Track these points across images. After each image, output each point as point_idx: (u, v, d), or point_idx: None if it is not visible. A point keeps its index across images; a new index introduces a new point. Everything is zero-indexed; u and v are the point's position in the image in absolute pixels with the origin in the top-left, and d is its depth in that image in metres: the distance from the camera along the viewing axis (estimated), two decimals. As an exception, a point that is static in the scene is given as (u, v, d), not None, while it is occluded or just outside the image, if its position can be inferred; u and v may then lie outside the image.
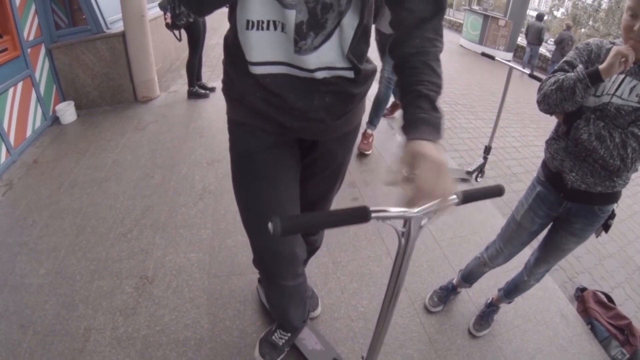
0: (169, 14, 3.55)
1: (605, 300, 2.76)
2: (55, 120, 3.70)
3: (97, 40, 3.79)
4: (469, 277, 2.06)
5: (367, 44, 1.01)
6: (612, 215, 1.52)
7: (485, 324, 2.00)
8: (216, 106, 4.20)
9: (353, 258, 2.23)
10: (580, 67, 1.33)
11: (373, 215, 0.70)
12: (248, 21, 0.89)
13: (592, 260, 3.70)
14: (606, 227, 1.53)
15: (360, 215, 0.69)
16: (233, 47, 0.97)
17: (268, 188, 1.12)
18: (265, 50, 0.92)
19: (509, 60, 10.97)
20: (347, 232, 2.39)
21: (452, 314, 2.06)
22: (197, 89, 4.31)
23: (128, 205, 2.50)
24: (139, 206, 2.50)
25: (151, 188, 2.69)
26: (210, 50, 6.39)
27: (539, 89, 1.44)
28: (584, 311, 2.64)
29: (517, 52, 12.36)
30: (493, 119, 4.18)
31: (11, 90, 3.08)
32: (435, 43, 0.91)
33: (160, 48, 4.91)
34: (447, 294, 2.11)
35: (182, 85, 4.62)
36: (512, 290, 1.97)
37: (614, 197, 1.47)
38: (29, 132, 3.31)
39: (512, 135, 5.76)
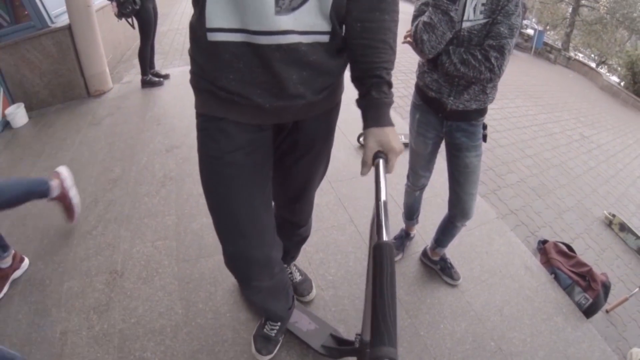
0: (114, 3, 3.43)
1: (566, 249, 2.92)
2: (6, 125, 3.56)
3: (42, 36, 3.63)
4: (410, 211, 2.20)
5: (344, 7, 0.98)
6: (485, 127, 1.71)
7: (396, 250, 2.16)
8: (171, 93, 4.13)
9: (317, 228, 2.25)
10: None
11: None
12: None
13: (552, 214, 3.88)
14: (484, 137, 1.72)
15: (391, 252, 0.74)
16: (200, 26, 0.91)
17: (242, 193, 1.08)
18: (231, 14, 0.87)
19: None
20: (318, 206, 2.38)
21: (419, 275, 2.15)
22: (150, 78, 4.21)
23: (90, 202, 2.46)
24: (102, 201, 2.47)
25: (112, 182, 2.65)
26: (163, 36, 6.21)
27: (415, 40, 1.51)
28: (547, 262, 2.79)
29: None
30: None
31: (-46, 97, 2.94)
32: (394, 16, 0.98)
33: (110, 38, 4.75)
34: (401, 241, 2.26)
35: (135, 75, 4.51)
36: (441, 237, 2.07)
37: (484, 111, 1.66)
38: (-22, 140, 3.18)
39: (470, 99, 5.90)
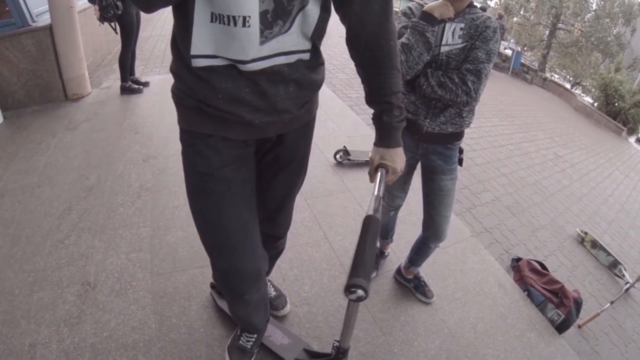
0: (97, 6, 3.40)
1: (538, 267, 3.00)
2: (-21, 123, 3.45)
3: (22, 35, 3.54)
4: (385, 231, 2.23)
5: (326, 31, 1.04)
6: (461, 151, 1.77)
7: (429, 292, 2.15)
8: (150, 101, 4.08)
9: (292, 245, 2.25)
10: (412, 19, 1.52)
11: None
12: (212, 14, 0.86)
13: (525, 232, 3.96)
14: (460, 161, 1.77)
15: (377, 224, 0.97)
16: (185, 51, 0.93)
17: (233, 209, 1.12)
18: (216, 42, 0.89)
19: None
20: (298, 222, 2.45)
21: (393, 293, 2.17)
22: (130, 84, 4.16)
23: (63, 209, 2.41)
24: (76, 210, 2.41)
25: (87, 190, 2.60)
26: (144, 42, 6.13)
27: None
28: (520, 279, 2.86)
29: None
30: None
31: None
32: (396, 42, 1.04)
33: (91, 41, 4.68)
34: (376, 260, 2.28)
35: (115, 80, 4.44)
36: (415, 257, 2.09)
37: (461, 135, 1.71)
38: (-51, 139, 3.08)
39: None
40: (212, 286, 1.87)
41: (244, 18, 0.84)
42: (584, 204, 5.43)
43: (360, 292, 0.82)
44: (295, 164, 1.29)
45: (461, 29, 1.50)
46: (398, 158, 1.14)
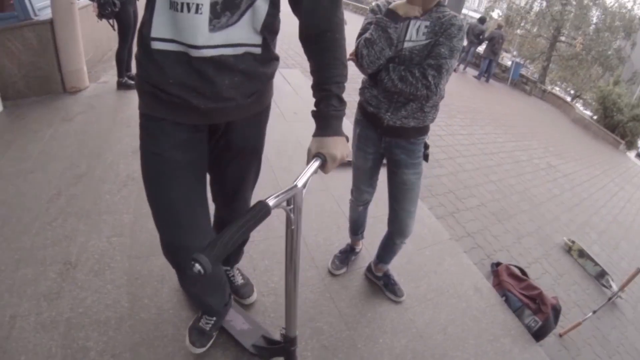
0: (95, 3, 3.52)
1: (518, 272, 2.97)
2: (-21, 112, 3.57)
3: (24, 28, 3.65)
4: (355, 226, 2.25)
5: (276, 27, 1.15)
6: (427, 146, 1.79)
7: (399, 290, 2.17)
8: (144, 97, 4.19)
9: (266, 237, 2.34)
10: (377, 16, 1.55)
11: (272, 205, 0.89)
12: (171, 2, 0.97)
13: (510, 238, 3.96)
14: (425, 157, 1.79)
15: (263, 211, 0.87)
16: (147, 33, 1.03)
17: (180, 187, 1.19)
18: (171, 27, 1.00)
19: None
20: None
21: (362, 289, 2.20)
22: (126, 80, 4.27)
23: (53, 194, 2.52)
24: (65, 195, 2.53)
25: (77, 177, 2.72)
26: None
27: (356, 55, 1.61)
28: (499, 284, 2.83)
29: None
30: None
31: None
32: (342, 36, 1.15)
33: (92, 37, 4.80)
34: (346, 255, 2.30)
35: (112, 76, 4.56)
36: (382, 253, 2.12)
37: (424, 130, 1.73)
38: (-51, 124, 3.19)
39: (438, 124, 6.05)
40: None
41: (197, 5, 0.96)
42: (574, 213, 5.42)
43: (198, 267, 0.78)
44: (247, 153, 1.38)
45: (426, 26, 1.53)
46: (338, 146, 1.14)
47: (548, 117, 11.00)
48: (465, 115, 7.19)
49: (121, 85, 4.28)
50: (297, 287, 1.24)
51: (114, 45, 4.16)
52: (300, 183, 1.00)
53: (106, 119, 3.61)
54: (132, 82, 4.32)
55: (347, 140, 1.21)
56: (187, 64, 1.03)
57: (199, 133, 1.20)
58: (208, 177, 1.41)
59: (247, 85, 1.14)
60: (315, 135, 1.17)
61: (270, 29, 1.11)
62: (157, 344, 1.69)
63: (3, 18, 3.66)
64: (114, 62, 4.34)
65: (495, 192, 4.85)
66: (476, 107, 8.20)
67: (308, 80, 4.34)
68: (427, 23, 1.53)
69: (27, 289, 1.87)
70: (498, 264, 3.17)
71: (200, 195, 1.28)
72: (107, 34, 4.99)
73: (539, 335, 2.40)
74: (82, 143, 3.16)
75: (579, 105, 14.56)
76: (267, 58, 1.16)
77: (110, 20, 3.79)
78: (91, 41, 4.80)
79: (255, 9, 1.03)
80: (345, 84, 1.20)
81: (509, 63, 13.06)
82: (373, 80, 1.66)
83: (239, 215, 1.55)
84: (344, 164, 1.30)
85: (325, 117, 1.16)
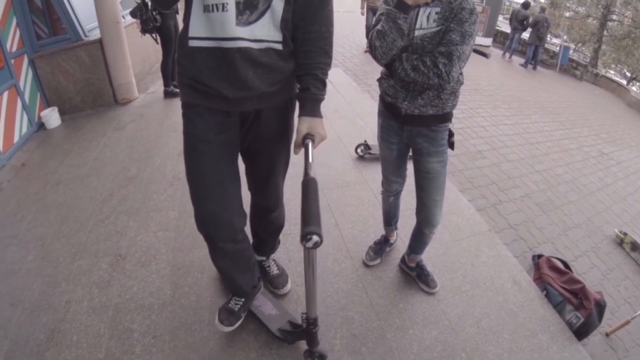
0: (138, 20, 3.79)
1: (560, 265, 2.74)
2: (41, 126, 3.96)
3: (76, 48, 4.03)
4: (388, 217, 2.24)
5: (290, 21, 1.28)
6: (451, 134, 1.75)
7: (432, 282, 2.13)
8: (189, 104, 4.44)
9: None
10: (387, 7, 1.53)
11: (313, 174, 1.16)
12: (204, 6, 1.17)
13: (556, 231, 3.75)
14: (451, 144, 1.77)
15: (315, 183, 1.13)
16: (185, 36, 1.24)
17: (212, 165, 1.36)
18: (207, 27, 1.19)
19: (488, 46, 10.96)
20: (298, 207, 2.55)
21: (395, 280, 2.19)
22: (172, 89, 4.54)
23: (106, 195, 2.77)
24: (117, 196, 2.77)
25: (127, 179, 2.96)
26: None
27: (370, 47, 1.63)
28: (539, 278, 2.62)
29: (497, 38, 12.54)
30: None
31: (-3, 100, 3.32)
32: (329, 29, 1.31)
33: (139, 52, 5.15)
34: (380, 247, 2.29)
35: (159, 86, 4.86)
36: (413, 244, 2.11)
37: (445, 117, 1.70)
38: (16, 138, 3.57)
39: (482, 115, 5.91)
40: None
41: (223, 5, 1.15)
42: (627, 204, 5.03)
43: (316, 238, 0.93)
44: (275, 141, 1.51)
45: (436, 13, 1.50)
46: (321, 127, 1.33)
47: (600, 102, 10.32)
48: (510, 105, 6.92)
49: (167, 94, 4.57)
50: (316, 269, 1.32)
51: (160, 57, 4.44)
52: (312, 173, 1.17)
53: (154, 126, 3.88)
54: (177, 91, 4.55)
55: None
56: (219, 57, 1.22)
57: (231, 118, 1.36)
58: (243, 167, 1.59)
59: (270, 76, 1.30)
60: (302, 115, 1.32)
61: (288, 25, 1.27)
62: (195, 327, 1.82)
63: (57, 41, 4.03)
64: (160, 74, 4.64)
65: (541, 183, 4.61)
66: (522, 96, 7.87)
67: (350, 79, 4.50)
68: (438, 9, 1.50)
69: (81, 278, 2.10)
70: (540, 256, 2.95)
71: (231, 173, 1.43)
72: (152, 47, 5.32)
73: (580, 332, 2.21)
74: (132, 149, 3.43)
75: (634, 88, 13.47)
76: (288, 53, 1.31)
77: (153, 35, 4.05)
78: (139, 55, 5.16)
79: (272, 9, 1.21)
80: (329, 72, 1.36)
81: (556, 49, 12.41)
82: (389, 70, 1.66)
83: (272, 201, 1.73)
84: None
85: (314, 100, 1.32)
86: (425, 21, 1.53)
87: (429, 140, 1.73)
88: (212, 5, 1.16)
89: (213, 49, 1.21)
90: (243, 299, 1.75)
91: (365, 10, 7.35)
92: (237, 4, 1.16)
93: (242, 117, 1.40)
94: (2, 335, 1.83)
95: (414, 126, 1.73)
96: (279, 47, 1.27)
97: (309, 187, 1.10)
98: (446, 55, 1.47)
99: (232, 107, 1.33)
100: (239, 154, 1.52)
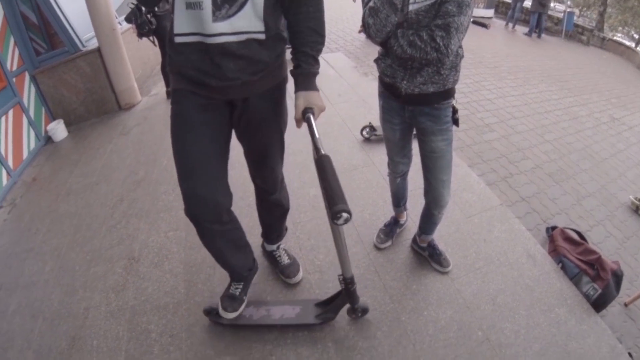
0: (134, 25, 3.80)
1: (575, 236, 2.69)
2: (49, 139, 4.04)
3: (76, 59, 4.07)
4: (396, 198, 2.21)
5: (279, 10, 1.33)
6: (455, 110, 1.70)
7: (445, 261, 2.10)
8: (191, 102, 4.47)
9: (312, 217, 2.42)
10: None
11: (324, 152, 1.22)
12: (186, 3, 1.21)
13: (569, 200, 3.68)
14: (455, 121, 1.72)
15: (328, 160, 1.18)
16: (171, 32, 1.29)
17: (196, 142, 1.39)
18: (188, 23, 1.23)
19: (490, 18, 10.79)
20: (307, 196, 2.62)
21: (408, 262, 2.16)
22: (173, 88, 4.54)
23: (116, 201, 2.82)
24: (126, 200, 2.81)
25: (136, 183, 3.00)
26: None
27: (363, 25, 1.57)
28: (554, 250, 2.57)
29: (499, 8, 12.31)
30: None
31: (3, 119, 3.40)
32: (318, 9, 1.34)
33: (138, 56, 5.17)
34: (391, 228, 2.27)
35: (161, 87, 4.90)
36: (423, 225, 2.07)
37: (447, 93, 1.64)
38: (25, 154, 3.65)
39: (487, 88, 5.80)
40: (207, 313, 1.86)
41: (199, 3, 1.19)
42: None
43: (345, 215, 0.97)
44: (266, 126, 1.53)
45: None
46: (318, 98, 1.37)
47: (609, 66, 10.05)
48: (516, 76, 6.78)
49: (170, 94, 4.54)
50: (344, 237, 1.40)
51: (159, 59, 4.47)
52: (322, 149, 1.21)
53: (159, 127, 3.91)
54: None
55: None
56: (202, 51, 1.26)
57: (215, 101, 1.40)
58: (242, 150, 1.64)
59: (252, 67, 1.32)
60: (298, 90, 1.36)
61: (271, 13, 1.28)
62: (209, 324, 1.85)
63: (56, 54, 4.08)
64: (161, 75, 4.67)
65: (552, 152, 4.50)
66: (528, 66, 7.72)
67: (351, 62, 4.46)
68: None
69: (97, 284, 2.15)
70: (554, 228, 2.87)
71: (215, 152, 1.46)
72: (151, 50, 5.32)
73: (598, 304, 2.15)
74: (138, 152, 3.47)
75: None
76: (272, 41, 1.33)
77: (150, 37, 4.06)
78: (138, 59, 5.18)
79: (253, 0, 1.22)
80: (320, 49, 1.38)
81: (560, 15, 12.12)
82: (385, 48, 1.61)
83: (270, 184, 1.75)
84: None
85: (306, 75, 1.35)
86: None
87: (432, 119, 1.68)
88: (191, 3, 1.20)
89: (196, 44, 1.26)
90: (242, 283, 1.77)
91: None
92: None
93: (231, 103, 1.44)
94: (26, 347, 1.88)
95: (415, 105, 1.68)
96: (261, 36, 1.29)
97: (324, 165, 1.11)
98: (443, 27, 1.41)
99: (216, 94, 1.37)
100: (236, 136, 1.58)
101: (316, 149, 1.19)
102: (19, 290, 2.22)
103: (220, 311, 1.72)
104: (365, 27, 1.55)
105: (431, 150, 1.74)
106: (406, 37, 1.49)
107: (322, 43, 1.38)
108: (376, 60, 1.73)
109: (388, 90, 1.73)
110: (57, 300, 2.10)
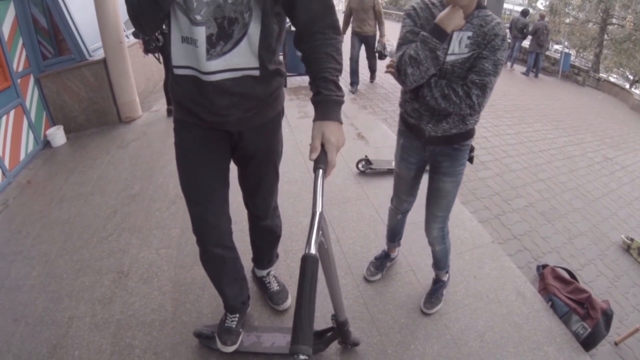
0: (141, 41, 3.86)
1: (565, 275, 2.72)
2: (47, 144, 4.04)
3: (81, 68, 4.12)
4: (392, 234, 2.22)
5: (275, 46, 1.31)
6: (472, 149, 1.72)
7: (435, 300, 2.07)
8: (192, 122, 4.51)
9: (304, 246, 2.37)
10: (422, 33, 1.45)
11: (315, 251, 0.94)
12: (181, 37, 1.22)
13: (561, 239, 3.72)
14: (470, 159, 1.74)
15: (313, 263, 0.90)
16: (170, 63, 1.31)
17: (199, 171, 1.46)
18: (184, 57, 1.25)
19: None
20: (300, 224, 2.62)
21: (397, 296, 2.16)
22: (175, 107, 4.59)
23: (110, 213, 2.81)
24: (120, 213, 2.81)
25: (131, 197, 3.00)
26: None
27: (399, 71, 1.52)
28: (544, 289, 2.60)
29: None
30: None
31: (4, 119, 3.41)
32: (334, 36, 1.24)
33: (143, 71, 5.24)
34: (381, 262, 2.26)
35: (163, 104, 4.94)
36: (435, 261, 2.07)
37: (469, 134, 1.65)
38: (22, 156, 3.64)
39: (484, 126, 5.90)
40: (198, 335, 1.85)
41: (195, 40, 1.19)
42: (634, 208, 4.96)
43: (302, 357, 0.79)
44: (260, 157, 1.57)
45: (468, 37, 1.44)
46: (335, 131, 1.13)
47: (603, 107, 10.24)
48: (512, 114, 6.92)
49: (171, 113, 4.61)
50: (337, 276, 1.42)
51: (163, 76, 4.52)
52: (319, 208, 0.98)
53: (157, 144, 3.93)
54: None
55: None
56: (198, 85, 1.27)
57: (214, 132, 1.42)
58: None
59: (245, 104, 1.33)
60: (315, 119, 1.16)
61: (267, 48, 1.27)
62: (195, 344, 1.83)
63: (63, 61, 4.13)
64: (163, 92, 4.72)
65: (545, 191, 4.57)
66: (524, 105, 7.88)
67: (350, 95, 4.51)
68: (470, 33, 1.44)
69: (84, 295, 2.13)
70: (544, 267, 2.92)
71: (217, 179, 1.52)
72: (156, 67, 5.42)
73: (588, 343, 2.18)
74: (135, 167, 3.48)
75: (637, 91, 13.29)
76: (268, 77, 1.32)
77: (156, 54, 4.11)
78: (142, 75, 5.25)
79: (249, 36, 1.21)
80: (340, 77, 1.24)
81: (558, 55, 12.38)
82: (414, 93, 1.59)
83: (261, 211, 1.77)
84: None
85: (324, 102, 1.16)
86: (457, 46, 1.46)
87: (451, 159, 1.69)
88: (186, 38, 1.22)
89: (192, 77, 1.27)
90: (237, 315, 1.77)
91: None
92: (209, 36, 1.18)
93: (228, 135, 1.47)
94: (6, 350, 1.86)
95: (437, 145, 1.68)
96: (256, 73, 1.28)
97: (305, 275, 0.87)
98: (480, 86, 1.42)
99: (212, 126, 1.40)
100: (232, 161, 1.61)
101: (308, 237, 0.95)
102: (3, 292, 2.20)
103: (219, 345, 1.71)
104: (400, 74, 1.51)
105: (437, 189, 1.78)
106: (439, 87, 1.48)
107: (340, 71, 1.22)
108: (401, 102, 1.74)
109: (410, 130, 1.74)
110: (42, 306, 2.07)
